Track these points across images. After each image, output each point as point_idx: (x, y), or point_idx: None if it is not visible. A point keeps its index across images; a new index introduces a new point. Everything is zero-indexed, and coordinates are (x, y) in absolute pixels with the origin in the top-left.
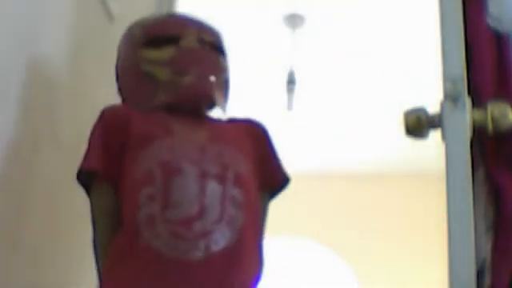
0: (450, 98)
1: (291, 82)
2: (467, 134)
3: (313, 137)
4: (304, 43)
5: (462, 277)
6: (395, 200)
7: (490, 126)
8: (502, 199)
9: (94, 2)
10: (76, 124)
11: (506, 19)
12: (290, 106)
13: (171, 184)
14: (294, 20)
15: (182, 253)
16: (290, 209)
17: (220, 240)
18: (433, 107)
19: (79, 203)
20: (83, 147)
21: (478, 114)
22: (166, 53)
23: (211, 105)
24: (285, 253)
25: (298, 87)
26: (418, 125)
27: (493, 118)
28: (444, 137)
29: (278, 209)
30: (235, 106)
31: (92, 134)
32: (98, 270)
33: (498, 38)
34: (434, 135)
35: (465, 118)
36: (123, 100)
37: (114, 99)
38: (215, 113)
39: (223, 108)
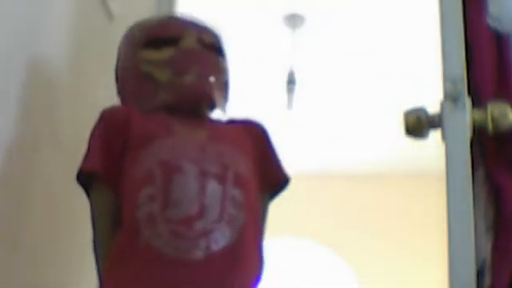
0: (450, 98)
1: (291, 81)
2: (467, 134)
3: (313, 137)
4: (304, 43)
5: (462, 277)
6: (395, 200)
7: (490, 126)
8: (502, 199)
9: (93, 2)
10: (76, 124)
11: (506, 19)
12: (290, 106)
13: (171, 183)
14: (293, 20)
15: (182, 252)
16: (290, 209)
17: (220, 239)
18: (433, 107)
19: (79, 203)
20: (83, 147)
21: (478, 114)
22: (166, 53)
23: (211, 105)
24: (285, 253)
25: (298, 87)
26: (418, 125)
27: (493, 118)
28: (444, 137)
29: (278, 209)
30: (235, 105)
31: (92, 134)
32: (98, 270)
33: (498, 38)
34: (434, 135)
35: (465, 118)
36: (123, 101)
37: (114, 99)
38: (215, 114)
39: (223, 109)
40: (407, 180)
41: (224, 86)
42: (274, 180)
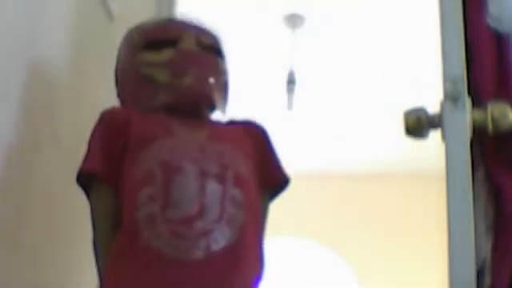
0: (450, 97)
1: (291, 81)
2: (467, 134)
3: (313, 137)
4: (304, 43)
5: (462, 277)
6: (395, 200)
7: (490, 126)
8: (502, 199)
9: (94, 2)
10: (76, 124)
11: (506, 19)
12: (290, 106)
13: (171, 183)
14: (293, 20)
15: (182, 252)
16: (290, 209)
17: (220, 239)
18: (433, 107)
19: (79, 203)
20: (83, 147)
21: (478, 114)
22: (165, 55)
23: (211, 106)
24: (285, 253)
25: (298, 87)
26: (418, 125)
27: (493, 118)
28: (444, 137)
29: (278, 209)
30: (235, 106)
31: (92, 136)
32: (99, 271)
33: (498, 38)
34: (434, 135)
35: (465, 118)
36: (122, 103)
37: (114, 99)
38: (215, 115)
39: (223, 110)
40: (407, 180)
41: (223, 87)
42: (274, 181)
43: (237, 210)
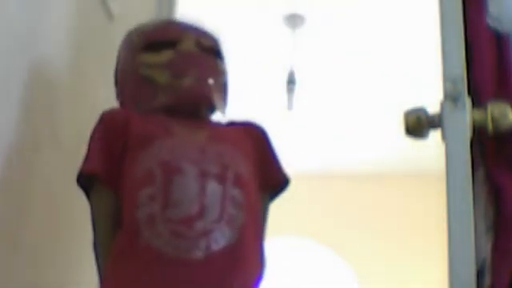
0: (450, 98)
1: (291, 81)
2: (467, 134)
3: (313, 137)
4: (304, 43)
5: (462, 277)
6: (395, 200)
7: (490, 126)
8: (502, 199)
9: (94, 2)
10: (76, 124)
11: (506, 19)
12: (290, 106)
13: (171, 183)
14: (293, 20)
15: (182, 252)
16: (290, 209)
17: (220, 239)
18: (433, 107)
19: (79, 203)
20: (83, 147)
21: (478, 114)
22: (165, 56)
23: (210, 107)
24: (285, 253)
25: (298, 87)
26: (418, 125)
27: (493, 118)
28: (444, 137)
29: (278, 209)
30: (235, 106)
31: (92, 137)
32: (99, 271)
33: (498, 38)
34: (434, 135)
35: (465, 118)
36: (122, 105)
37: (114, 99)
38: (215, 116)
39: (222, 111)
40: (407, 180)
41: (223, 88)
42: (274, 181)
43: (237, 211)
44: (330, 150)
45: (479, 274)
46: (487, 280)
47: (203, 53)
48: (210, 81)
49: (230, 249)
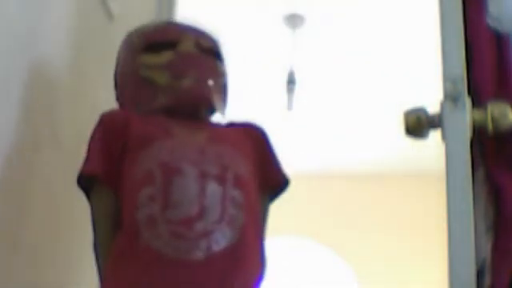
0: (450, 98)
1: (291, 81)
2: (467, 134)
3: (313, 137)
4: (304, 43)
5: (462, 277)
6: (395, 200)
7: (490, 126)
8: (502, 199)
9: (94, 2)
10: (76, 124)
11: (506, 19)
12: (290, 106)
13: (171, 184)
14: (293, 20)
15: (182, 253)
16: (290, 209)
17: (221, 240)
18: (433, 107)
19: (79, 204)
20: (83, 148)
21: (478, 114)
22: (165, 57)
23: (210, 108)
24: (285, 253)
25: (298, 87)
26: (418, 125)
27: (493, 118)
28: (444, 137)
29: (278, 209)
30: (235, 106)
31: (92, 138)
32: (99, 272)
33: (498, 38)
34: (434, 135)
35: (465, 118)
36: (121, 106)
37: (115, 99)
38: (215, 117)
39: (222, 112)
40: (407, 180)
41: (222, 89)
42: (273, 182)
43: (237, 211)
44: (329, 150)
45: (479, 274)
46: (487, 280)
47: (203, 54)
48: (210, 82)
49: (231, 249)
